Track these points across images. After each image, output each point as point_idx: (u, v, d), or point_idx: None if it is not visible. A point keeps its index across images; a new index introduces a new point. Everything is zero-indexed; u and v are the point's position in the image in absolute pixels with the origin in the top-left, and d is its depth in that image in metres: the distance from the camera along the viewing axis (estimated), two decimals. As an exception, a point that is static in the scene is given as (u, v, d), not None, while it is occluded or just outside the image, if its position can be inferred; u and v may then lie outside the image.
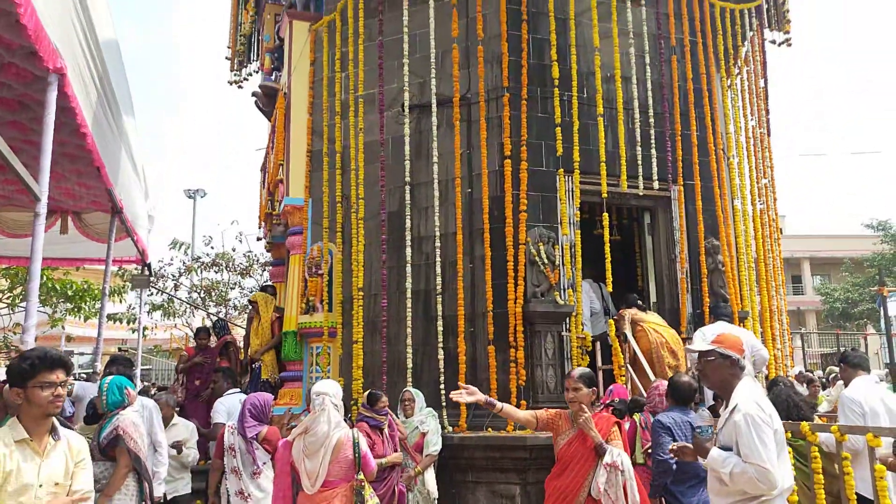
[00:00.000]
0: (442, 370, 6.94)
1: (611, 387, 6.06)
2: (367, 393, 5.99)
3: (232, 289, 18.14)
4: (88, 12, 4.31)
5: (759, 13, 9.77)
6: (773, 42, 10.58)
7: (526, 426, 4.48)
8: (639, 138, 7.62)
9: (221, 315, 16.97)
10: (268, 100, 9.90)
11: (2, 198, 6.72)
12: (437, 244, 7.26)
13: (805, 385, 9.82)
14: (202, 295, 18.00)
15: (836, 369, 9.53)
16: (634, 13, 7.95)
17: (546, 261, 6.94)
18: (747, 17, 9.32)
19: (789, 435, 4.02)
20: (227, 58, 10.93)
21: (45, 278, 11.20)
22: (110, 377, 4.66)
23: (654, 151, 7.71)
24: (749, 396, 2.89)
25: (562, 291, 7.04)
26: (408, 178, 7.47)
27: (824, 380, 12.90)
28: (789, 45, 10.67)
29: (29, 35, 3.11)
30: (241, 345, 9.49)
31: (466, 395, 4.16)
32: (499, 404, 4.28)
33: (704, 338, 3.11)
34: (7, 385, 2.78)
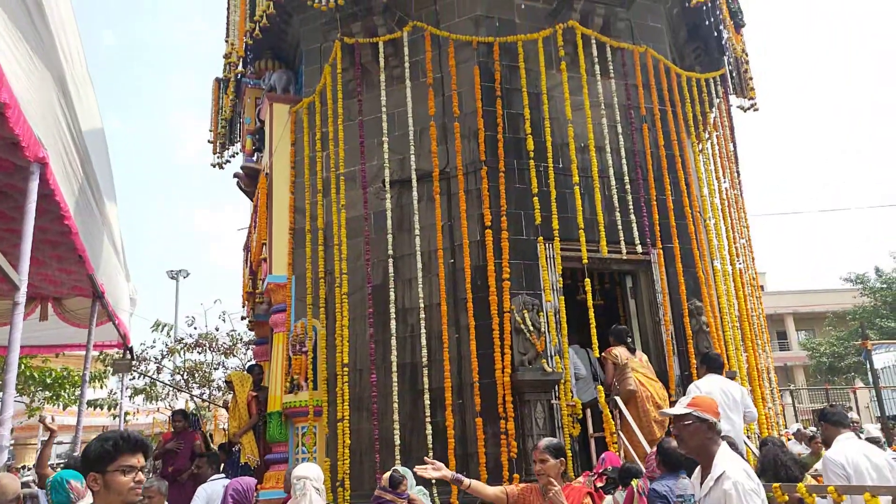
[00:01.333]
0: (430, 446, 6.81)
1: (603, 455, 5.95)
2: (387, 475, 5.78)
3: (215, 369, 17.84)
4: (72, 102, 4.40)
5: (724, 81, 10.18)
6: (741, 108, 10.97)
7: None
8: (616, 204, 7.78)
9: (205, 396, 16.61)
10: (249, 180, 10.02)
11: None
12: (422, 315, 7.25)
13: (806, 443, 9.67)
14: (185, 377, 17.66)
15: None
16: (604, 86, 8.24)
17: (532, 328, 6.94)
18: (713, 86, 9.70)
19: (785, 497, 3.96)
20: (209, 141, 11.11)
21: (22, 366, 10.97)
22: (56, 472, 4.24)
23: (632, 217, 7.86)
24: (737, 465, 2.85)
25: (549, 359, 7.02)
26: (391, 252, 7.52)
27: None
28: (756, 109, 11.05)
29: (12, 127, 3.17)
30: (226, 426, 9.25)
31: (432, 470, 4.00)
32: (466, 480, 4.10)
33: (682, 402, 3.09)
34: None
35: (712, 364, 6.21)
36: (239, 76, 9.87)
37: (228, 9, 9.13)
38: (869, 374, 19.70)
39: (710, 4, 9.48)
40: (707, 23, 9.68)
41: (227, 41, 9.00)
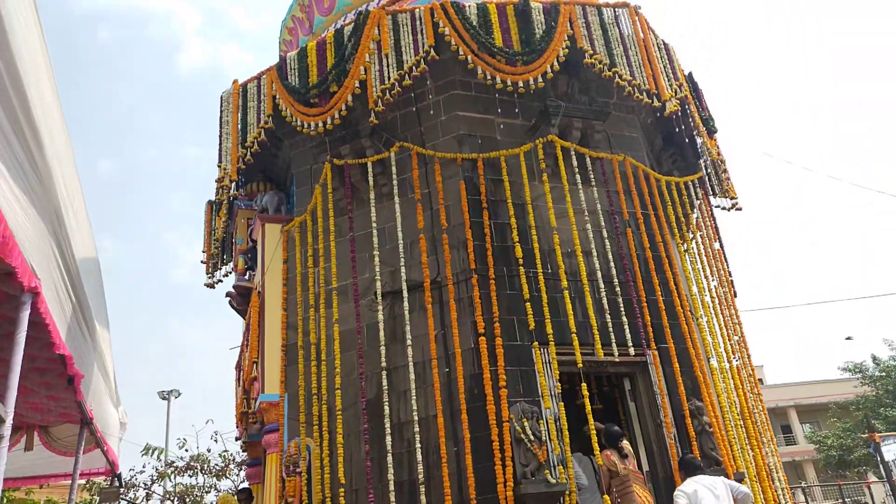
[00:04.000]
0: (433, 569, 6.47)
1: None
2: None
3: (207, 492, 17.16)
4: (66, 231, 4.50)
5: (703, 183, 10.53)
6: (722, 208, 11.26)
7: None
8: (607, 307, 7.83)
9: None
10: (242, 299, 10.08)
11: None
12: (417, 429, 7.09)
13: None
14: (175, 502, 16.93)
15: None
16: (586, 193, 8.51)
17: (532, 437, 6.78)
18: (692, 188, 10.02)
19: None
20: (202, 261, 11.25)
21: (5, 500, 10.51)
22: None
23: (623, 318, 7.88)
24: None
25: (552, 469, 6.81)
26: (384, 364, 7.46)
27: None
28: (738, 209, 11.34)
29: (6, 259, 3.23)
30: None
31: None
32: None
33: None
34: None
35: (689, 467, 6.14)
36: (231, 199, 10.14)
37: (221, 136, 9.52)
38: (881, 467, 19.12)
39: (681, 114, 9.96)
40: (678, 130, 10.13)
41: (219, 166, 9.33)
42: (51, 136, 4.07)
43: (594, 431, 7.04)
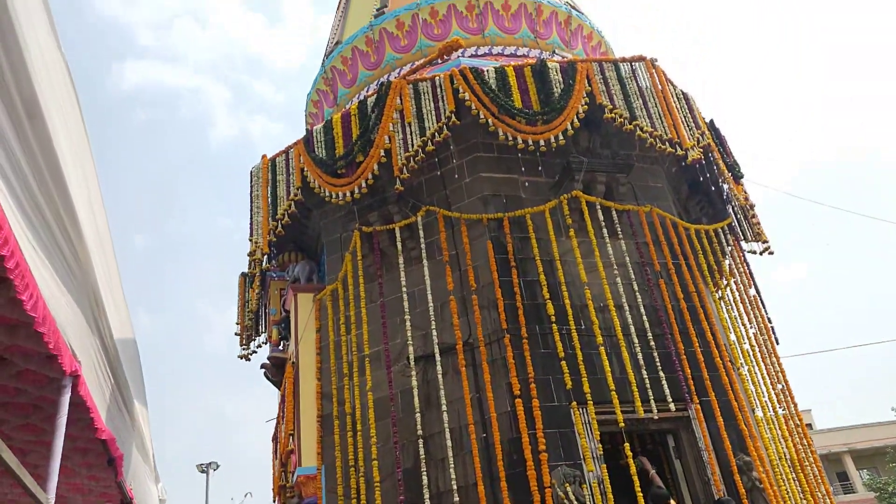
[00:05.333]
0: None
1: None
2: None
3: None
4: (104, 311, 4.60)
5: (733, 229, 10.41)
6: (754, 252, 11.08)
7: None
8: (643, 362, 7.67)
9: None
10: (276, 370, 10.11)
11: (10, 502, 6.53)
12: (457, 499, 6.92)
13: None
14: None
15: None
16: (615, 246, 8.47)
17: (576, 502, 6.57)
18: (722, 235, 9.92)
19: None
20: (236, 333, 11.35)
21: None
22: None
23: (661, 373, 7.71)
24: None
25: (597, 534, 6.57)
26: (420, 431, 7.36)
27: None
28: (770, 252, 11.15)
29: (48, 343, 3.30)
30: None
31: None
32: None
33: None
34: None
35: None
36: (263, 271, 10.30)
37: (251, 210, 9.76)
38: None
39: (705, 162, 9.95)
40: (702, 179, 10.09)
41: (251, 240, 9.52)
42: (90, 220, 4.21)
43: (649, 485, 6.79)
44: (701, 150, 9.58)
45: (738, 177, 10.84)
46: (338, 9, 14.42)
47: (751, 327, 9.45)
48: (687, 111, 9.94)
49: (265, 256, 9.80)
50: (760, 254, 11.10)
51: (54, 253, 3.54)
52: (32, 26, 2.88)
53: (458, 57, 10.41)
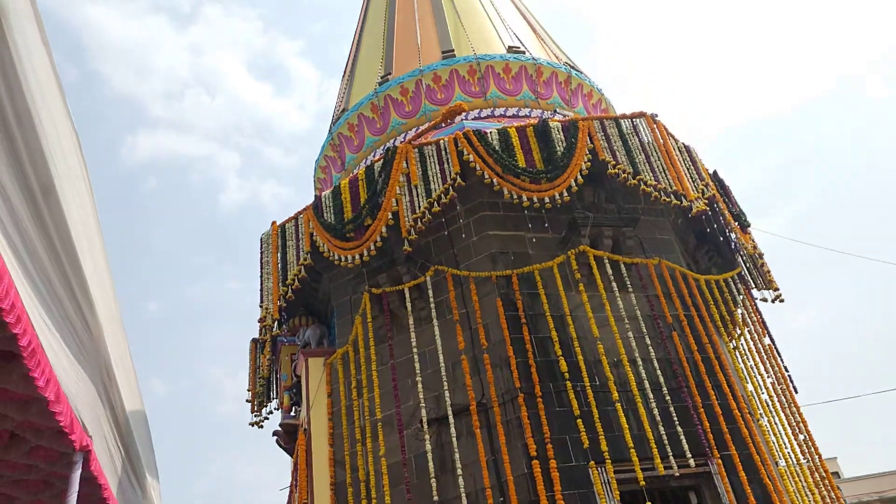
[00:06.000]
0: None
1: None
2: None
3: None
4: (116, 384, 4.61)
5: (743, 278, 10.36)
6: (766, 300, 10.99)
7: None
8: (659, 417, 7.53)
9: None
10: (289, 437, 9.98)
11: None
12: (477, 566, 6.72)
13: None
14: None
15: None
16: (625, 300, 8.44)
17: (598, 566, 6.37)
18: (733, 284, 9.87)
19: None
20: (247, 400, 11.26)
21: None
22: None
23: (679, 428, 7.56)
24: None
25: None
26: (435, 497, 7.21)
27: None
28: (782, 300, 11.06)
29: (59, 419, 3.30)
30: None
31: None
32: None
33: None
34: None
35: None
36: (274, 337, 10.29)
37: (262, 276, 9.84)
38: None
39: (711, 212, 9.99)
40: (709, 230, 10.11)
41: (261, 306, 9.57)
42: (101, 294, 4.27)
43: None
44: (706, 200, 9.64)
45: (744, 226, 10.86)
46: (343, 76, 14.85)
47: (768, 377, 9.30)
48: (690, 163, 10.05)
49: (275, 322, 9.82)
50: (772, 301, 11.01)
51: (66, 329, 3.58)
52: (48, 109, 2.99)
53: (462, 120, 10.63)
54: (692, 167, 10.02)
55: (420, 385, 7.92)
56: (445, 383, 7.80)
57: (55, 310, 3.45)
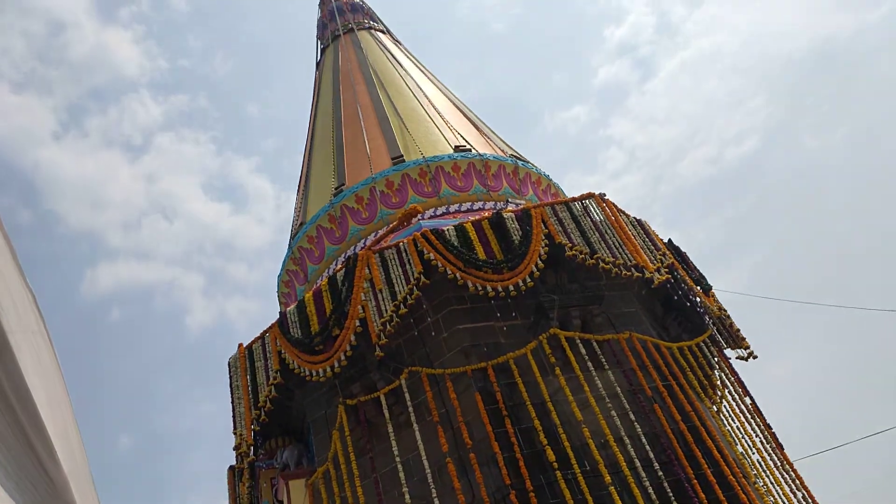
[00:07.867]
0: None
1: None
2: None
3: None
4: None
5: (715, 340, 10.46)
6: (741, 359, 11.05)
7: None
8: (654, 495, 7.37)
9: None
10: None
11: None
12: None
13: None
14: None
15: None
16: (603, 378, 8.41)
17: None
18: (706, 348, 9.94)
19: None
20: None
21: None
22: None
23: (673, 502, 7.38)
24: None
25: None
26: None
27: None
28: (754, 357, 11.13)
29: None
30: None
31: None
32: None
33: None
34: None
35: None
36: (251, 463, 9.92)
37: (233, 401, 9.58)
38: None
39: (673, 281, 10.18)
40: (675, 297, 10.28)
41: (235, 433, 9.26)
42: (65, 448, 4.10)
43: None
44: (666, 269, 9.85)
45: (706, 288, 11.06)
46: (298, 190, 15.11)
47: (755, 436, 9.23)
48: (644, 236, 10.32)
49: (251, 448, 9.48)
50: (745, 359, 11.09)
51: (25, 485, 3.41)
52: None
53: (419, 221, 10.82)
54: (647, 239, 10.29)
55: (407, 496, 7.64)
56: (434, 490, 7.54)
57: (10, 468, 3.30)
